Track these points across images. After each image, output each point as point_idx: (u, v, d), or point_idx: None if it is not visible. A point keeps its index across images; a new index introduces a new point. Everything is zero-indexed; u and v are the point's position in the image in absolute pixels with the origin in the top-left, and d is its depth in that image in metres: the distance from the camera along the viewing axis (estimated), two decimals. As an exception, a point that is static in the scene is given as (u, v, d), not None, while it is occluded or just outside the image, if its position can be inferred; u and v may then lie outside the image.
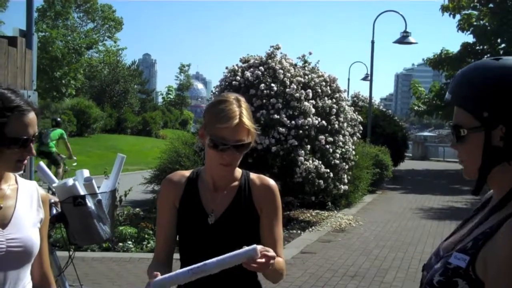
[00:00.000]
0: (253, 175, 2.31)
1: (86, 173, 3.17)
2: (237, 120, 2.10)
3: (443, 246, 1.59)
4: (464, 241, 1.47)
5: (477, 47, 26.15)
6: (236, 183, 2.27)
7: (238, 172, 2.29)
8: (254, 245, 1.81)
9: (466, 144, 1.51)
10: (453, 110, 1.56)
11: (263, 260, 1.82)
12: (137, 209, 9.86)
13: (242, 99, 2.19)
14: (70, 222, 3.13)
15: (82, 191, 3.08)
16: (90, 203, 3.08)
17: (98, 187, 3.18)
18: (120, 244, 8.21)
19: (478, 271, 1.38)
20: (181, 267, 2.20)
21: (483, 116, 1.43)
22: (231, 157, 2.14)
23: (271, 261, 1.86)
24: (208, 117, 2.16)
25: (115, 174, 3.23)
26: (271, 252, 1.87)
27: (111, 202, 3.18)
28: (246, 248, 1.82)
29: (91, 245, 7.72)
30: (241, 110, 2.12)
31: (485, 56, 26.09)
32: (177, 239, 2.30)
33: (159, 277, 1.82)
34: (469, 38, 26.31)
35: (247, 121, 2.12)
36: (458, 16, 25.76)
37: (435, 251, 1.62)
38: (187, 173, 2.34)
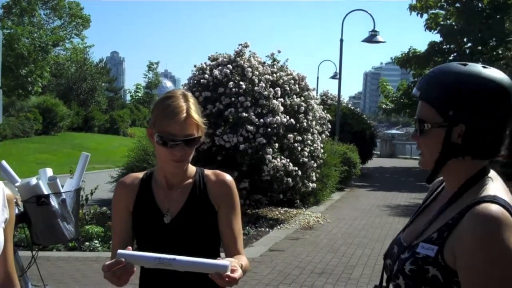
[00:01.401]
0: (207, 171, 2.28)
1: (49, 172, 3.13)
2: (184, 115, 2.07)
3: (403, 236, 1.74)
4: (427, 232, 1.61)
5: (444, 46, 26.51)
6: (190, 180, 2.24)
7: (192, 169, 2.27)
8: (228, 263, 1.78)
9: (427, 137, 1.65)
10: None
11: (227, 279, 1.77)
12: (104, 208, 9.75)
13: (189, 94, 2.17)
14: (34, 221, 3.08)
15: (45, 190, 3.03)
16: (54, 202, 3.04)
17: (63, 186, 3.14)
18: (87, 243, 8.13)
19: (447, 259, 1.52)
20: (141, 270, 2.18)
21: (448, 114, 1.57)
22: (182, 152, 2.10)
23: (235, 281, 1.82)
24: (156, 113, 2.13)
25: (79, 173, 3.19)
26: (238, 273, 1.82)
27: (75, 201, 3.14)
28: (220, 261, 1.79)
29: (56, 244, 7.63)
30: (189, 105, 2.10)
31: (452, 55, 26.52)
32: (135, 242, 2.27)
33: (127, 251, 1.83)
34: (436, 37, 26.75)
35: (195, 115, 2.10)
36: (425, 16, 26.10)
37: (396, 240, 1.77)
38: (140, 174, 2.31)
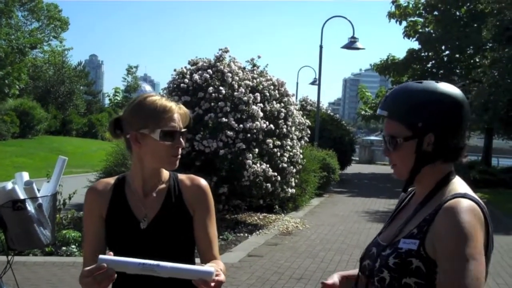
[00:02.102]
0: (181, 176, 2.27)
1: (25, 176, 3.08)
2: (177, 107, 2.17)
3: (381, 238, 1.92)
4: (405, 230, 1.79)
5: (422, 54, 26.76)
6: (164, 185, 2.22)
7: (166, 173, 2.25)
8: (213, 269, 1.77)
9: (400, 151, 1.83)
10: None
11: (214, 284, 1.76)
12: (82, 212, 9.62)
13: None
14: (9, 226, 3.03)
15: (21, 195, 2.98)
16: (30, 207, 2.99)
17: (39, 190, 3.09)
18: (64, 248, 8.04)
19: (428, 251, 1.69)
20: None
21: (417, 126, 1.78)
22: (181, 145, 2.15)
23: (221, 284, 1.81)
24: (148, 112, 2.13)
25: (56, 177, 3.14)
26: (222, 277, 1.82)
27: (52, 206, 3.10)
28: (205, 267, 1.78)
29: (33, 249, 7.53)
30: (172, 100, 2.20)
31: (430, 63, 26.78)
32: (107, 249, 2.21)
33: (109, 256, 1.80)
34: (415, 44, 26.93)
35: (183, 107, 2.20)
36: (404, 23, 26.35)
37: (374, 243, 1.93)
38: (111, 180, 2.28)
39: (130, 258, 1.81)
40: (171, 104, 2.14)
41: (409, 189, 2.01)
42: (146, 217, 2.16)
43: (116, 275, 1.81)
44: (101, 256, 1.79)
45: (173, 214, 2.17)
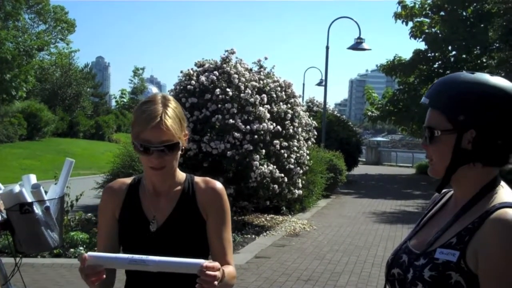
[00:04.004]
0: (197, 179, 2.21)
1: (33, 178, 3.07)
2: (157, 120, 1.98)
3: (412, 244, 1.73)
4: (443, 238, 1.61)
5: (429, 54, 26.65)
6: (179, 187, 2.17)
7: (182, 175, 2.20)
8: (202, 261, 1.75)
9: (437, 144, 1.66)
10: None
11: (206, 278, 1.74)
12: (89, 214, 9.68)
13: (171, 99, 2.10)
14: (17, 230, 3.02)
15: (29, 198, 2.97)
16: (37, 210, 2.98)
17: (46, 193, 3.08)
18: (72, 250, 8.06)
19: (470, 264, 1.52)
20: (126, 277, 2.15)
21: (458, 119, 1.60)
22: (159, 159, 2.02)
23: (215, 282, 1.77)
24: (133, 119, 2.08)
25: (64, 179, 3.14)
26: (216, 271, 1.77)
27: (59, 208, 3.09)
28: (193, 260, 1.76)
29: (41, 252, 7.55)
30: (165, 110, 2.01)
31: (437, 63, 26.67)
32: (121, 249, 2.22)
33: (98, 253, 1.83)
34: (421, 45, 26.80)
35: (169, 120, 2.00)
36: (410, 24, 26.24)
37: (404, 249, 1.74)
38: (128, 180, 2.25)
39: (119, 254, 1.83)
40: (152, 115, 1.99)
41: (443, 191, 1.83)
42: (154, 219, 2.13)
43: (104, 275, 1.83)
44: (89, 253, 1.82)
45: (185, 218, 2.13)
